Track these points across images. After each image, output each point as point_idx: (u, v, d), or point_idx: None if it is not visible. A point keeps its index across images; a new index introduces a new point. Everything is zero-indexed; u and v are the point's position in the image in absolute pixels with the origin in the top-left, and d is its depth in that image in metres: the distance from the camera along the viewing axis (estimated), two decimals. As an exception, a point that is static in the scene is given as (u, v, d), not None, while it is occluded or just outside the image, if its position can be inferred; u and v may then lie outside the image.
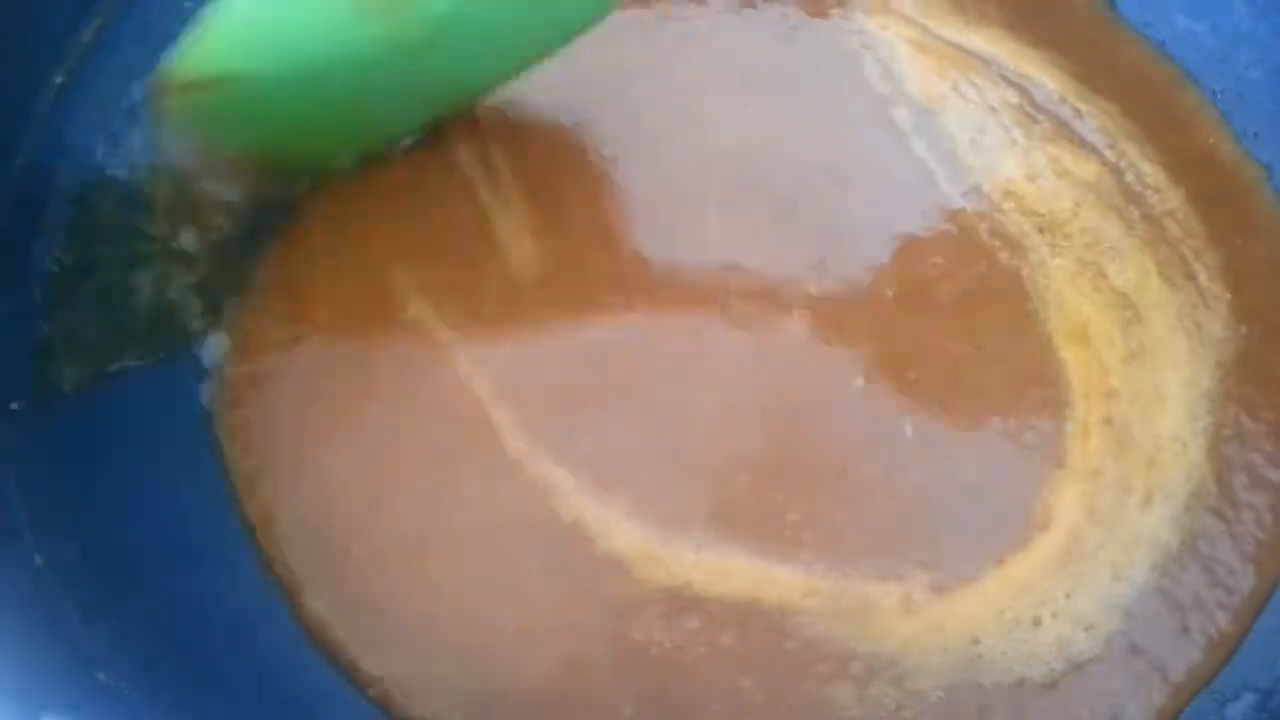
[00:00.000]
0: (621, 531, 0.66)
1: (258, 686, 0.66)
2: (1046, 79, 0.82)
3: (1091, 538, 0.66)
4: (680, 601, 0.64)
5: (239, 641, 0.67)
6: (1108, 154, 0.78)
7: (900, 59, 0.82)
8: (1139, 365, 0.71)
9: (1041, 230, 0.75)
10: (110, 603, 0.65)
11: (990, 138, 0.79)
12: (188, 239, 0.79)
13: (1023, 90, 0.81)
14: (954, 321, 0.72)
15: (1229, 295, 0.74)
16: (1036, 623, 0.64)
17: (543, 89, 0.78)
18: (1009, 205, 0.76)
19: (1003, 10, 0.86)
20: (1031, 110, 0.80)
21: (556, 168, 0.78)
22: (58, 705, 0.55)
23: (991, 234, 0.75)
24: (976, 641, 0.64)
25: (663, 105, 0.81)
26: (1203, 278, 0.74)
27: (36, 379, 0.73)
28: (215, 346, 0.76)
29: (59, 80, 0.82)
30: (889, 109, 0.80)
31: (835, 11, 0.86)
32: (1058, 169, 0.77)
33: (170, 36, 0.89)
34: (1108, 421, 0.69)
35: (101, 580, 0.66)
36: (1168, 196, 0.77)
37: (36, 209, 0.78)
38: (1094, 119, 0.80)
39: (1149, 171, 0.78)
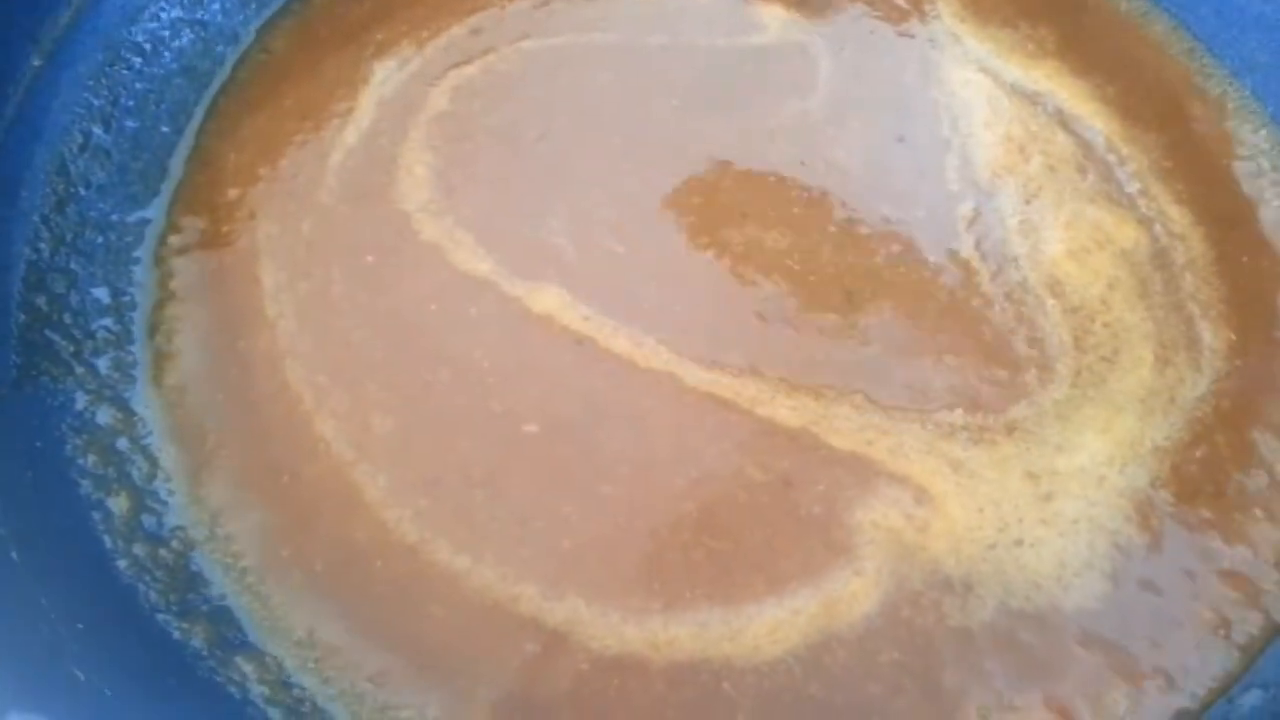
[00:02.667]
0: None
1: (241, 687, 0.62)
2: (1096, 120, 0.86)
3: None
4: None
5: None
6: (1141, 204, 0.82)
7: (974, 128, 0.85)
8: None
9: (1076, 340, 0.76)
10: (84, 598, 0.62)
11: (1045, 199, 0.81)
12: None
13: (1078, 138, 0.85)
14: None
15: (1219, 355, 0.76)
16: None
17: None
18: (1051, 303, 0.77)
19: (1052, 35, 0.91)
20: (1084, 161, 0.84)
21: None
22: (28, 702, 0.52)
23: (1030, 342, 0.76)
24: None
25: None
26: (1204, 338, 0.77)
27: (17, 366, 0.70)
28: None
29: (36, 64, 0.78)
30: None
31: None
32: (1099, 237, 0.80)
33: (147, 18, 0.89)
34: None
35: (75, 574, 0.63)
36: (1191, 242, 0.81)
37: (13, 190, 0.75)
38: (1132, 162, 0.84)
39: (1175, 217, 0.82)
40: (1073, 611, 0.66)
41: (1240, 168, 0.85)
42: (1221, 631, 0.66)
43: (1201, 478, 0.71)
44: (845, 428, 0.72)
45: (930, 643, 0.65)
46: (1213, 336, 0.77)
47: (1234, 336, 0.77)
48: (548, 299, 0.76)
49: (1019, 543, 0.68)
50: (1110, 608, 0.66)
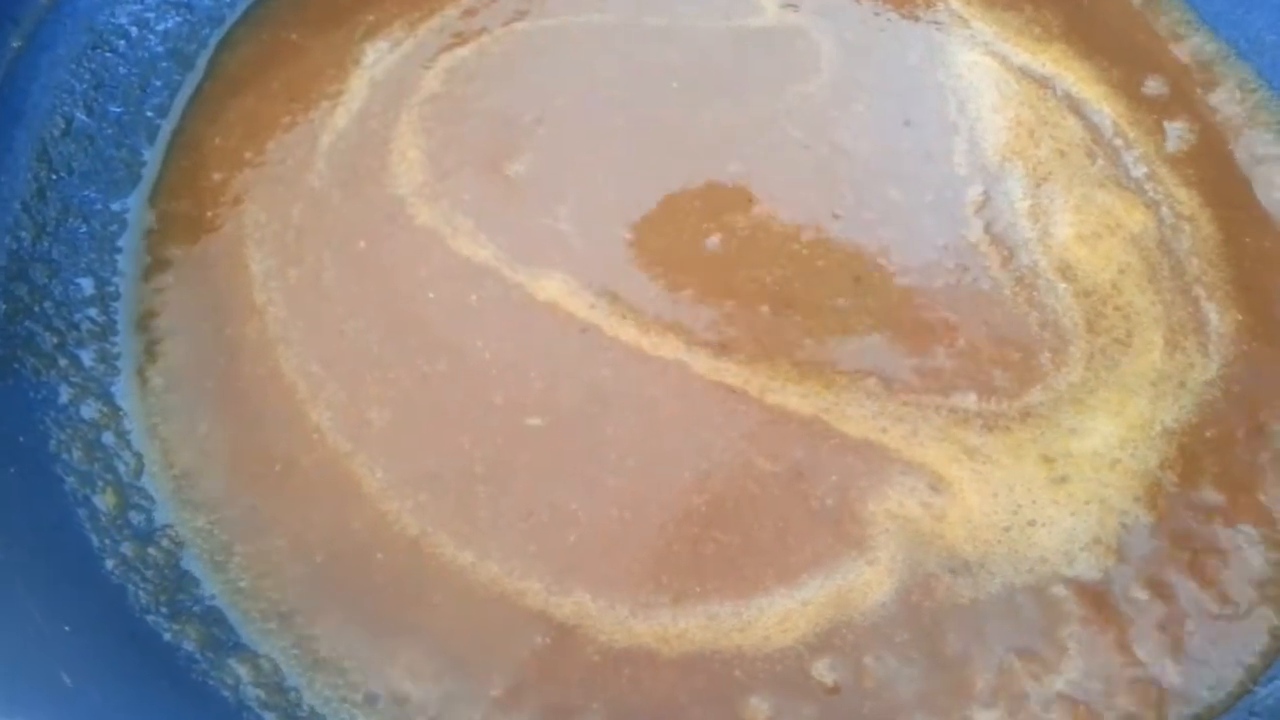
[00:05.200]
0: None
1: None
2: (1104, 104, 0.85)
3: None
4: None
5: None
6: (1149, 188, 0.81)
7: (982, 111, 0.84)
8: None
9: (1089, 323, 0.74)
10: (71, 599, 0.59)
11: (1054, 183, 0.80)
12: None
13: (1087, 121, 0.84)
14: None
15: (1227, 338, 0.75)
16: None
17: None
18: (1063, 286, 0.76)
19: (1057, 18, 0.90)
20: (1093, 145, 0.82)
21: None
22: (14, 708, 0.50)
23: (1043, 325, 0.74)
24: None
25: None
26: (1211, 322, 0.76)
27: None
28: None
29: (16, 45, 0.75)
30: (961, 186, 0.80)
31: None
32: (1109, 222, 0.78)
33: (132, 1, 0.86)
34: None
35: (60, 574, 0.60)
36: (1199, 224, 0.80)
37: (-8, 175, 0.73)
38: (1139, 146, 0.83)
39: (1184, 199, 0.81)
40: (1074, 581, 0.65)
41: (1246, 148, 0.84)
42: (1230, 614, 0.65)
43: (1209, 459, 0.70)
44: (857, 415, 0.70)
45: (938, 620, 0.64)
46: (1220, 319, 0.76)
47: (1241, 319, 0.76)
48: (552, 286, 0.74)
49: (1032, 523, 0.67)
50: (1113, 580, 0.65)
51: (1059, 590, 0.65)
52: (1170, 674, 0.63)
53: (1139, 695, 0.62)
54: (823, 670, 0.62)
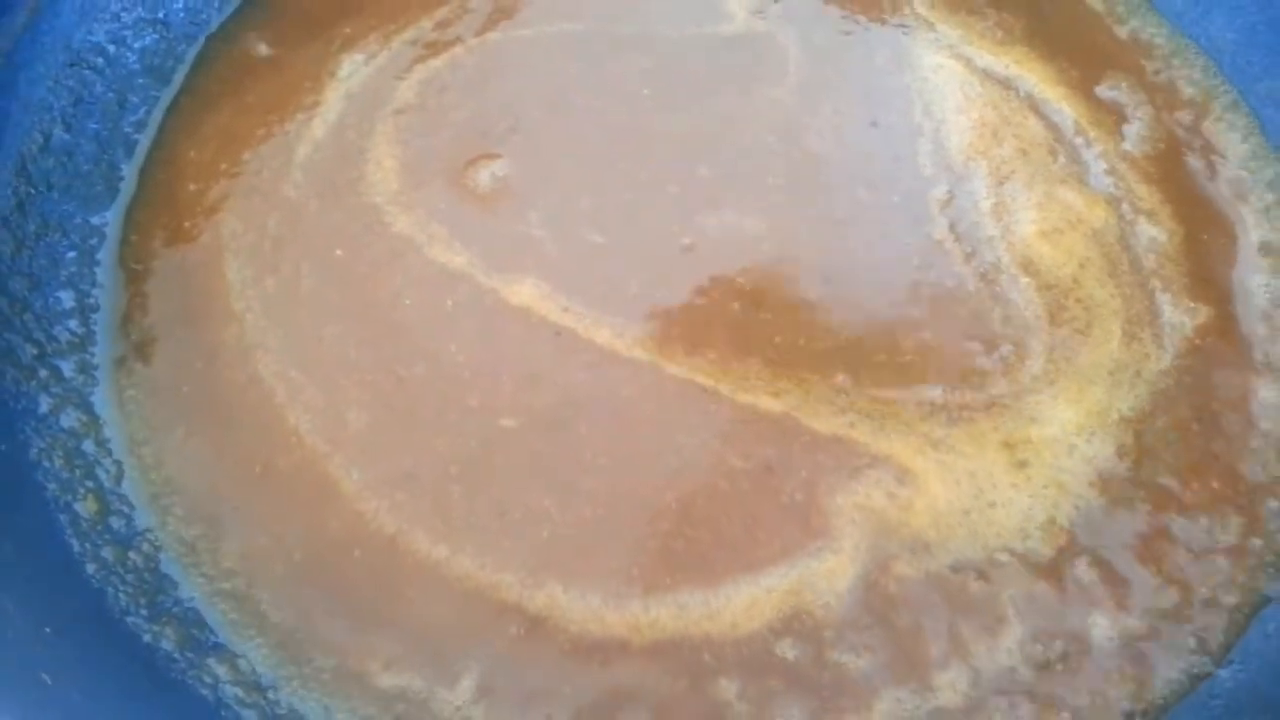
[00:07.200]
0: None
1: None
2: (1064, 104, 0.87)
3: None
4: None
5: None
6: (1109, 185, 0.83)
7: (947, 113, 0.85)
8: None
9: (1051, 315, 0.76)
10: (52, 602, 0.60)
11: (1017, 181, 0.82)
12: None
13: (1048, 121, 0.86)
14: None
15: (1180, 331, 0.77)
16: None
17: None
18: (1026, 281, 0.77)
19: (1019, 21, 0.92)
20: (1055, 144, 0.84)
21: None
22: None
23: (1006, 319, 0.76)
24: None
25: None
26: (1166, 314, 0.77)
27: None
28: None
29: (-8, 62, 0.78)
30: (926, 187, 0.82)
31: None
32: (1070, 217, 0.80)
33: (109, 19, 0.88)
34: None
35: (42, 578, 0.61)
36: (1159, 219, 0.82)
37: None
38: (1099, 144, 0.85)
39: (1144, 195, 0.83)
40: (1023, 555, 0.67)
41: (1206, 145, 0.86)
42: (1180, 597, 0.67)
43: (1162, 448, 0.72)
44: (827, 412, 0.71)
45: (893, 595, 0.66)
46: (1174, 312, 0.78)
47: (1195, 310, 0.78)
48: (525, 291, 0.75)
49: (992, 505, 0.69)
50: (1063, 559, 0.67)
51: (1003, 558, 0.67)
52: (1120, 655, 0.65)
53: (1091, 674, 0.64)
54: (786, 648, 0.64)
